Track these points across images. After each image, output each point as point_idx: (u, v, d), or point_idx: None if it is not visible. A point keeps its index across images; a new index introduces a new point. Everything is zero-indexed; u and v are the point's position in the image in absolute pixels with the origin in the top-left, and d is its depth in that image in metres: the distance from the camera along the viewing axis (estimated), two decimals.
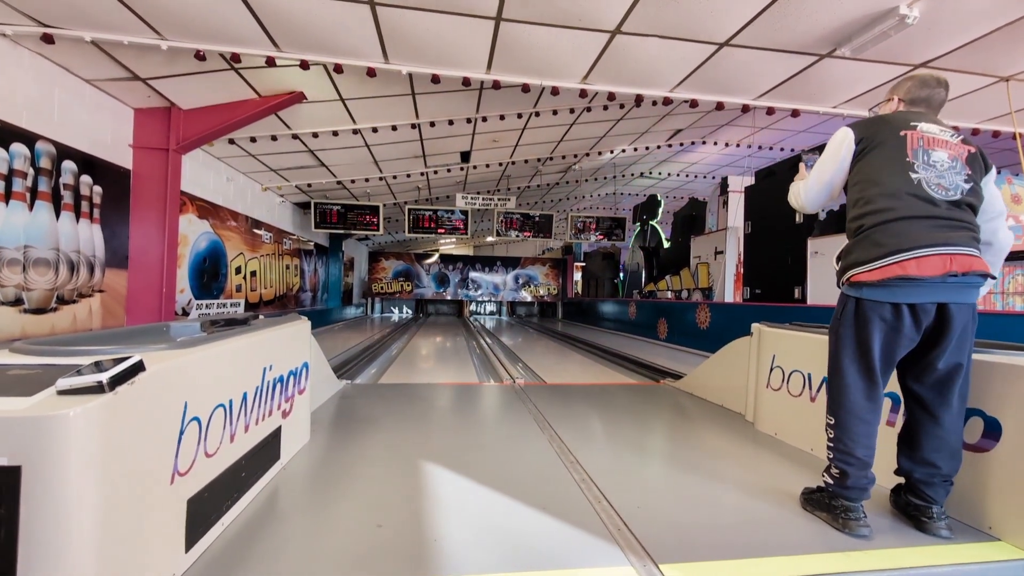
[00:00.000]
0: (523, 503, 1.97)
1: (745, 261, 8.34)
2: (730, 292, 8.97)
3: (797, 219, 6.87)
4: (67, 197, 4.41)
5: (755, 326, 3.34)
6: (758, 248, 7.92)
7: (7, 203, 3.83)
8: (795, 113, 5.32)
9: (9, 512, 1.02)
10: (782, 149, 8.36)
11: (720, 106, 5.20)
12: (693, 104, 5.19)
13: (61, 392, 1.12)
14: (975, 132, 5.60)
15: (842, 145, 1.88)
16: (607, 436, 3.01)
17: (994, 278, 1.78)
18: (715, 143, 8.46)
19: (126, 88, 4.74)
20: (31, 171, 4.04)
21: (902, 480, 1.90)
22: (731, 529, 1.82)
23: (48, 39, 3.67)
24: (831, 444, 1.85)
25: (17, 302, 3.95)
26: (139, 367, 1.27)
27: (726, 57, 4.24)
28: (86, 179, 4.62)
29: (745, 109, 5.24)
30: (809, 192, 1.99)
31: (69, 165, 4.42)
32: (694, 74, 4.57)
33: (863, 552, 1.66)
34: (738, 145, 8.45)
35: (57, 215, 4.30)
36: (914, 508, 1.82)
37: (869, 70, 4.41)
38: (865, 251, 1.75)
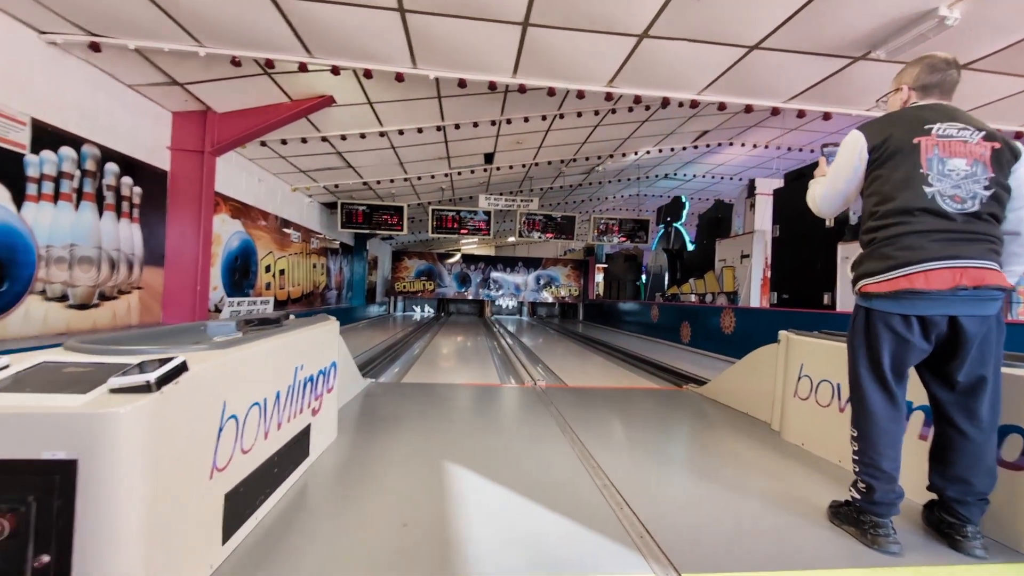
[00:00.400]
0: (545, 506, 1.99)
1: (772, 265, 8.18)
2: (756, 297, 8.81)
3: (827, 223, 6.70)
4: (109, 197, 4.61)
5: (783, 333, 3.28)
6: (786, 252, 7.76)
7: (56, 203, 4.03)
8: (827, 116, 5.21)
9: (66, 502, 1.09)
10: (812, 151, 8.17)
11: (749, 108, 5.13)
12: (721, 107, 5.12)
13: (113, 390, 1.18)
14: (1018, 136, 5.39)
15: (854, 154, 1.84)
16: (629, 441, 3.01)
17: (1013, 289, 1.73)
18: (742, 144, 8.33)
19: (165, 93, 4.93)
20: (77, 173, 4.23)
21: (935, 496, 1.86)
22: (756, 540, 1.80)
23: (95, 47, 3.84)
24: (856, 457, 1.82)
25: (63, 298, 4.15)
26: (183, 367, 1.33)
27: (756, 60, 4.18)
28: (127, 180, 4.82)
29: (775, 112, 5.15)
30: (825, 199, 1.99)
31: (112, 167, 4.62)
32: (723, 77, 4.52)
33: (892, 568, 1.63)
34: (766, 147, 8.29)
35: (100, 215, 4.50)
36: (947, 526, 1.78)
37: None
38: (875, 262, 1.76)
